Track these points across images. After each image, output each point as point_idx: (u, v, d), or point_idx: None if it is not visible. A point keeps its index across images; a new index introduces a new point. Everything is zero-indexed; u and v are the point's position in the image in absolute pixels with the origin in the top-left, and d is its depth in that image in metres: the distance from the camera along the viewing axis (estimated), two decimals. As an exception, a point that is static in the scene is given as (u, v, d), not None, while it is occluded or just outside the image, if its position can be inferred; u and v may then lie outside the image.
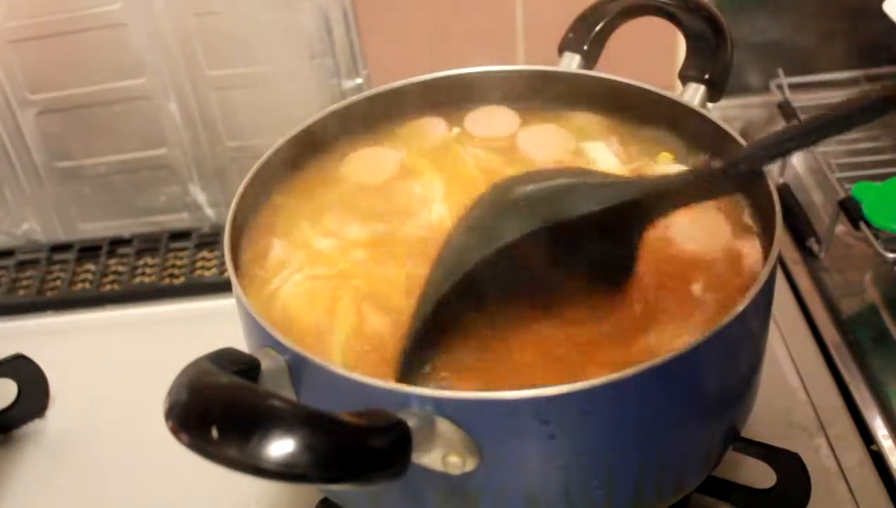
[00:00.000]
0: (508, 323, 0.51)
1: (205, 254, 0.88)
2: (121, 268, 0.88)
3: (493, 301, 0.51)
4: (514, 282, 0.51)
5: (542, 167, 0.55)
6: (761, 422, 0.60)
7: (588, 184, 0.53)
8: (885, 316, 0.71)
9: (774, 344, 0.71)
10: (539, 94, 0.67)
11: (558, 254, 0.51)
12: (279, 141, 0.61)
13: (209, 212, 0.95)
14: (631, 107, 0.64)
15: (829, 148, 0.83)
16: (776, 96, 0.88)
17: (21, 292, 0.86)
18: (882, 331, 0.70)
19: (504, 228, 0.50)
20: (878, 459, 0.62)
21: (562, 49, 0.67)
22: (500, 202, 0.53)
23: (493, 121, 0.67)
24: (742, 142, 0.57)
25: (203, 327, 0.73)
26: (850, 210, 0.72)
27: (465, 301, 0.50)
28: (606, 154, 0.62)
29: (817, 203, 0.83)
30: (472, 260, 0.50)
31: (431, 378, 0.49)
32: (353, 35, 0.87)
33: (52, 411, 0.72)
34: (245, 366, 0.44)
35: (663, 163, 0.60)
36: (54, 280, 0.88)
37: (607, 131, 0.65)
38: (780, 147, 0.51)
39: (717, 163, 0.51)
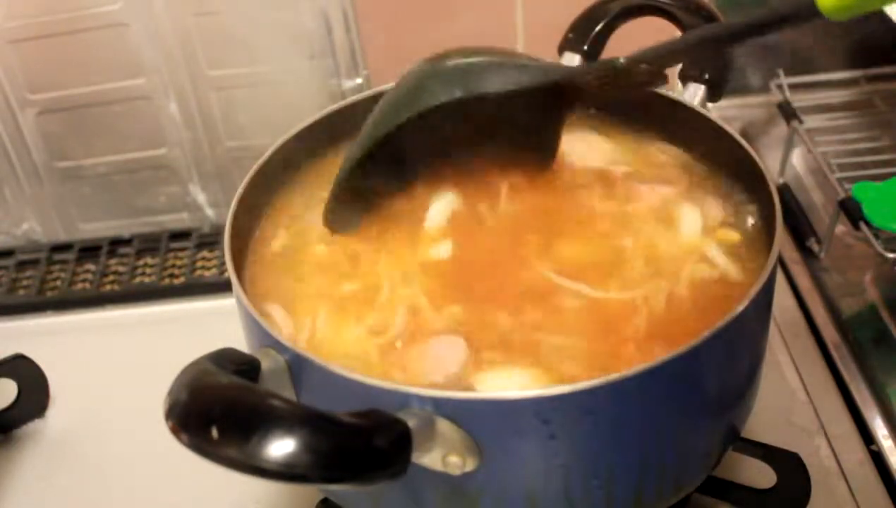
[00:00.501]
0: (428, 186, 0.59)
1: (205, 253, 0.88)
2: (121, 268, 0.88)
3: (416, 163, 0.59)
4: (438, 148, 0.58)
5: (467, 46, 0.59)
6: (761, 422, 0.60)
7: (511, 64, 0.57)
8: (885, 316, 0.71)
9: (774, 344, 0.71)
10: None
11: (481, 125, 0.57)
12: (279, 141, 0.61)
13: (209, 212, 0.95)
14: (631, 108, 0.64)
15: (830, 148, 0.83)
16: (776, 96, 0.88)
17: (21, 292, 0.87)
18: (882, 331, 0.70)
19: (427, 95, 0.56)
20: (878, 459, 0.62)
21: (562, 49, 0.67)
22: (429, 71, 0.58)
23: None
24: (742, 141, 0.57)
25: (203, 327, 0.73)
26: (850, 210, 0.72)
27: (383, 165, 0.57)
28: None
29: (817, 203, 0.83)
30: (393, 122, 0.56)
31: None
32: (353, 35, 0.87)
33: (52, 411, 0.72)
34: (245, 366, 0.44)
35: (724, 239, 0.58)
36: (54, 280, 0.88)
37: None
38: (685, 49, 0.55)
39: (623, 60, 0.54)
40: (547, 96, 0.57)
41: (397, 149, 0.57)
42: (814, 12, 0.46)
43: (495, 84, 0.56)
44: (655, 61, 0.54)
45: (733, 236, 0.56)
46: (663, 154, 0.63)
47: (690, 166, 0.62)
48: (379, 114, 0.58)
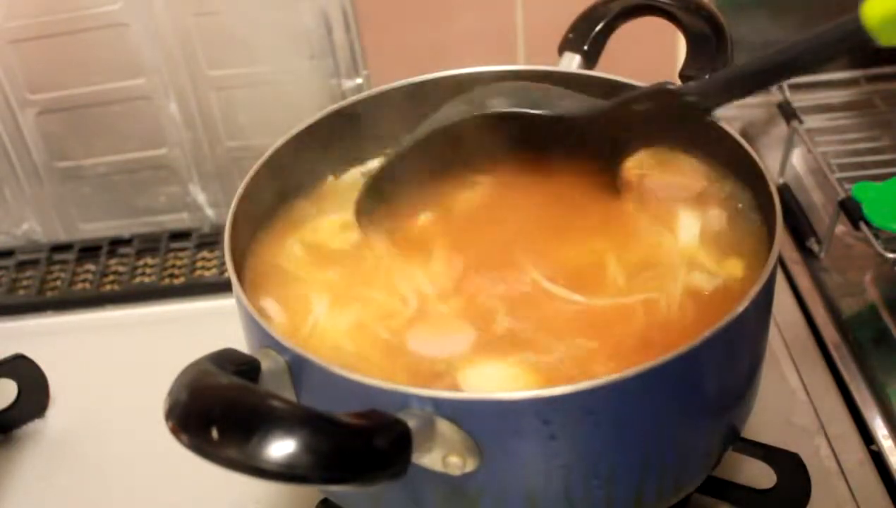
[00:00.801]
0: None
1: (205, 254, 0.88)
2: (121, 268, 0.88)
3: (456, 166, 0.61)
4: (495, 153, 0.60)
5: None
6: (761, 422, 0.60)
7: (579, 98, 0.59)
8: (885, 316, 0.71)
9: (774, 344, 0.71)
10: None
11: (540, 139, 0.58)
12: (279, 141, 0.61)
13: (209, 212, 0.95)
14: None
15: (830, 148, 0.83)
16: (776, 96, 0.88)
17: (21, 292, 0.87)
18: (882, 331, 0.70)
19: (492, 102, 0.59)
20: (878, 459, 0.62)
21: (562, 49, 0.67)
22: (499, 87, 0.61)
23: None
24: (742, 141, 0.57)
25: (203, 327, 0.73)
26: (850, 210, 0.72)
27: (435, 153, 0.59)
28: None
29: (817, 203, 0.83)
30: (455, 117, 0.59)
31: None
32: (353, 35, 0.87)
33: (52, 411, 0.72)
34: (245, 367, 0.44)
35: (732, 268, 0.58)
36: (54, 280, 0.88)
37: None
38: (745, 82, 0.53)
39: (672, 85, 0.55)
40: (598, 135, 0.58)
41: (446, 146, 0.59)
42: (862, 36, 0.45)
43: (554, 106, 0.58)
44: (712, 91, 0.54)
45: (737, 268, 0.55)
46: (665, 154, 0.63)
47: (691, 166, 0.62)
48: (439, 113, 0.60)
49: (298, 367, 0.46)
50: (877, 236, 0.71)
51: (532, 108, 0.58)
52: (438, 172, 0.61)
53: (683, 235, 0.57)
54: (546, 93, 0.60)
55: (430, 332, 0.52)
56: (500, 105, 0.59)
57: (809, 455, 0.57)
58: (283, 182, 0.62)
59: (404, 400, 0.43)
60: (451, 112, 0.60)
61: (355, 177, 0.66)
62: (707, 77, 0.58)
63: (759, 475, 0.55)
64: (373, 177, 0.61)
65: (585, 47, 0.66)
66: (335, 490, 0.53)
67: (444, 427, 0.43)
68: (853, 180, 0.75)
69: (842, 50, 0.48)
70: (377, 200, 0.60)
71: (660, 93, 0.55)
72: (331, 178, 0.65)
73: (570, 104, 0.59)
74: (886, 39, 0.44)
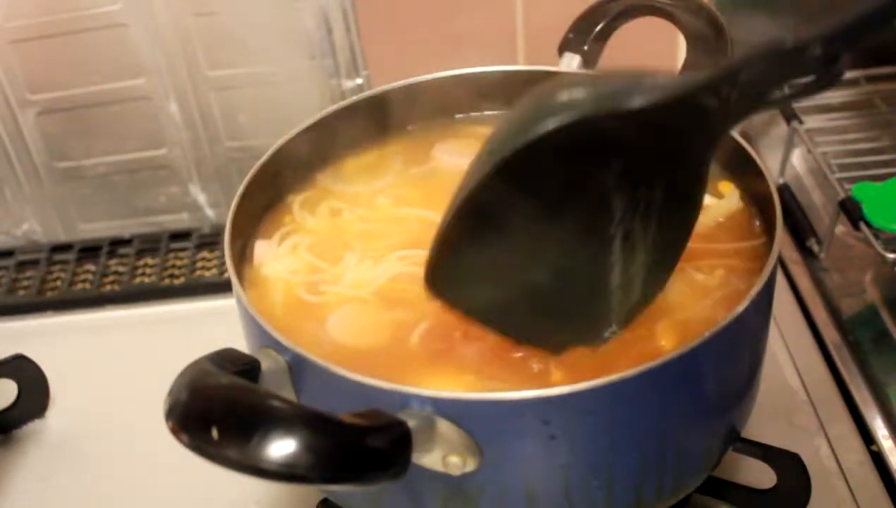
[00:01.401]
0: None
1: (205, 254, 0.88)
2: (121, 269, 0.88)
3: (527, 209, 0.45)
4: (549, 190, 0.44)
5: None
6: (761, 422, 0.60)
7: (647, 82, 0.43)
8: (885, 316, 0.71)
9: (774, 344, 0.71)
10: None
11: (600, 163, 0.44)
12: (279, 141, 0.61)
13: (209, 212, 0.95)
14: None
15: (830, 148, 0.83)
16: (776, 96, 0.88)
17: (21, 292, 0.87)
18: (882, 331, 0.70)
19: (536, 123, 0.42)
20: (878, 459, 0.62)
21: (562, 49, 0.67)
22: (531, 101, 0.44)
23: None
24: (742, 141, 0.57)
25: (203, 327, 0.73)
26: (850, 210, 0.72)
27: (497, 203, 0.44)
28: None
29: (817, 203, 0.83)
30: (496, 160, 0.42)
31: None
32: (353, 35, 0.87)
33: (52, 411, 0.72)
34: (245, 366, 0.44)
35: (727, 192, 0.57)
36: (54, 280, 0.88)
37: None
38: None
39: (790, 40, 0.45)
40: (687, 119, 0.44)
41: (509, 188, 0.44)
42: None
43: (636, 99, 0.42)
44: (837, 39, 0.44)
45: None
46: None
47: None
48: (498, 137, 0.44)
49: (298, 367, 0.46)
50: (877, 236, 0.71)
51: (601, 109, 0.42)
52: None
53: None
54: (616, 83, 0.44)
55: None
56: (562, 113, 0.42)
57: (809, 455, 0.57)
58: (283, 182, 0.62)
59: (404, 399, 0.43)
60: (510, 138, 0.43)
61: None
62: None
63: (759, 475, 0.55)
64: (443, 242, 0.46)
65: (585, 47, 0.66)
66: (335, 490, 0.53)
67: (444, 427, 0.43)
68: (853, 180, 0.75)
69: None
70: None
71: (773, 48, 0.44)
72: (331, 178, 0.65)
73: (650, 91, 0.42)
74: None
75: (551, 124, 0.41)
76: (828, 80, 0.46)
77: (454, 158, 0.64)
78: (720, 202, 0.58)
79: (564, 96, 0.43)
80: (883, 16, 0.44)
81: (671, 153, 0.45)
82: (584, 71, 0.65)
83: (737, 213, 0.58)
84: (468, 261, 0.46)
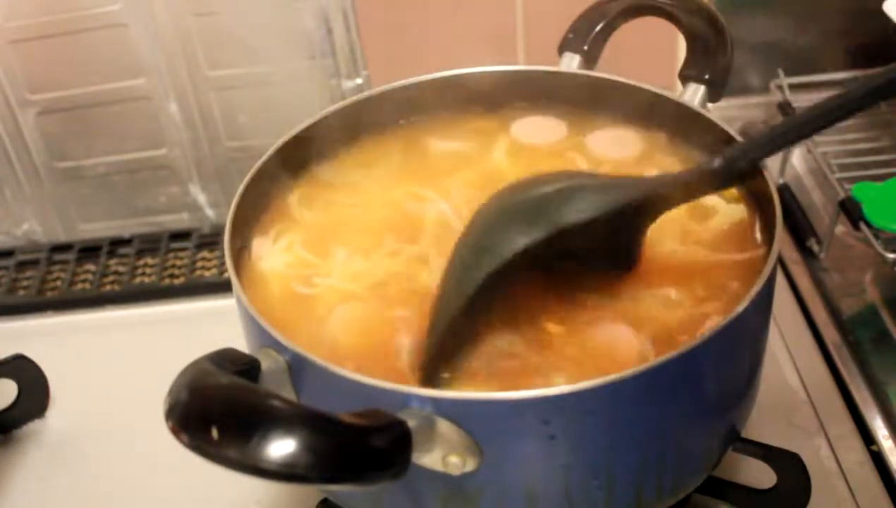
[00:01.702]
0: (518, 327, 0.52)
1: (205, 254, 0.88)
2: (121, 268, 0.88)
3: (502, 308, 0.52)
4: (522, 288, 0.52)
5: (541, 173, 0.55)
6: (761, 422, 0.60)
7: (591, 187, 0.53)
8: (885, 316, 0.71)
9: (774, 344, 0.71)
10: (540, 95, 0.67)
11: (563, 258, 0.52)
12: (279, 141, 0.61)
13: (209, 212, 0.95)
14: (631, 108, 0.64)
15: (830, 148, 0.83)
16: (776, 96, 0.88)
17: (21, 292, 0.87)
18: (882, 331, 0.70)
19: (509, 239, 0.51)
20: (878, 459, 0.62)
21: (562, 49, 0.67)
22: (503, 210, 0.53)
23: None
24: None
25: (203, 327, 0.73)
26: (850, 210, 0.72)
27: (476, 313, 0.51)
28: None
29: (817, 203, 0.83)
30: (480, 276, 0.50)
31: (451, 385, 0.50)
32: (353, 35, 0.87)
33: (52, 411, 0.72)
34: (245, 366, 0.44)
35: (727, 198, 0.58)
36: (54, 280, 0.88)
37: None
38: (777, 141, 0.52)
39: (716, 162, 0.52)
40: (628, 214, 0.52)
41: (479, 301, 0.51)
42: None
43: (578, 214, 0.51)
44: (754, 154, 0.52)
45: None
46: (669, 156, 0.63)
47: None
48: (457, 273, 0.52)
49: (298, 367, 0.46)
50: (877, 236, 0.71)
51: (555, 225, 0.51)
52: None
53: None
54: (560, 195, 0.52)
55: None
56: (513, 241, 0.50)
57: (809, 456, 0.57)
58: (282, 181, 0.62)
59: (404, 399, 0.43)
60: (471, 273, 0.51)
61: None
62: (747, 141, 0.54)
63: (759, 475, 0.55)
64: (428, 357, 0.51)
65: (585, 47, 0.66)
66: (335, 489, 0.53)
67: (444, 427, 0.43)
68: (853, 180, 0.75)
69: (868, 104, 0.50)
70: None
71: (699, 171, 0.53)
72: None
73: (594, 200, 0.52)
74: None
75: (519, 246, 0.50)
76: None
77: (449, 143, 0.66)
78: (727, 208, 0.58)
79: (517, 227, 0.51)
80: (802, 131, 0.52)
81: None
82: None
83: (740, 222, 0.58)
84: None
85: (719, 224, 0.57)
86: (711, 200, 0.58)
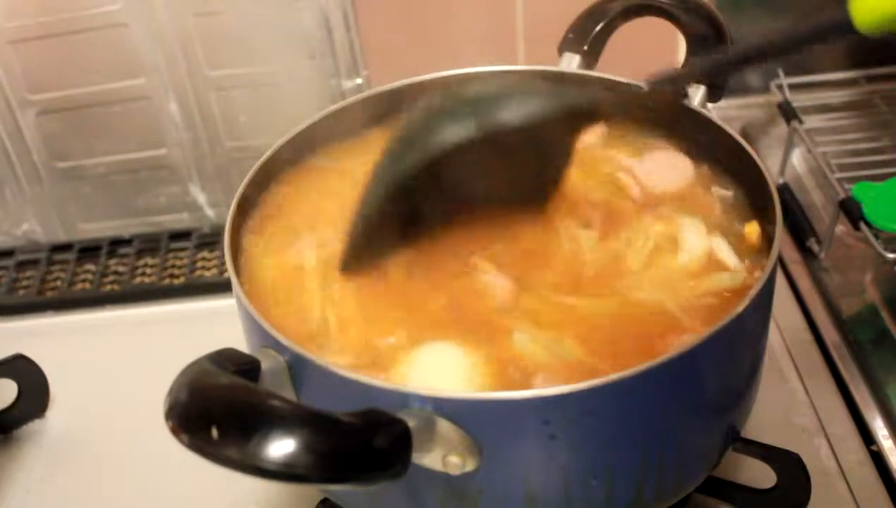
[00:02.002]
0: (442, 226, 0.56)
1: (205, 254, 0.88)
2: (121, 269, 0.88)
3: (428, 204, 0.55)
4: (448, 188, 0.55)
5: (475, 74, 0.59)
6: (761, 422, 0.60)
7: (528, 92, 0.55)
8: (885, 316, 0.71)
9: (774, 344, 0.71)
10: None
11: (493, 160, 0.54)
12: (279, 141, 0.61)
13: (209, 212, 0.95)
14: (631, 108, 0.64)
15: (829, 148, 0.83)
16: (776, 96, 0.88)
17: (21, 292, 0.87)
18: (882, 331, 0.70)
19: (439, 135, 0.53)
20: (878, 459, 0.62)
21: (562, 49, 0.67)
22: (438, 108, 0.55)
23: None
24: (742, 141, 0.57)
25: (203, 327, 0.73)
26: (850, 210, 0.72)
27: (401, 204, 0.54)
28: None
29: (817, 203, 0.83)
30: (404, 169, 0.53)
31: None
32: (353, 35, 0.87)
33: (52, 411, 0.72)
34: (245, 366, 0.44)
35: (749, 234, 0.57)
36: (54, 280, 0.88)
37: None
38: (707, 70, 0.57)
39: (645, 84, 0.56)
40: (562, 120, 0.54)
41: (405, 194, 0.54)
42: (849, 28, 0.47)
43: (510, 116, 0.53)
44: (679, 82, 0.56)
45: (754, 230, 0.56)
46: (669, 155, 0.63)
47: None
48: (388, 160, 0.54)
49: (298, 367, 0.46)
50: (877, 236, 0.71)
51: (485, 126, 0.53)
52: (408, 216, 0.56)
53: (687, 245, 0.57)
54: (494, 97, 0.54)
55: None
56: (444, 136, 0.53)
57: (809, 456, 0.57)
58: (283, 182, 0.62)
59: (404, 399, 0.43)
60: (399, 160, 0.54)
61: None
62: (673, 69, 0.57)
63: (759, 475, 0.55)
64: (352, 233, 0.55)
65: (585, 47, 0.66)
66: (335, 489, 0.53)
67: (444, 426, 0.43)
68: (853, 180, 0.75)
69: (824, 40, 0.50)
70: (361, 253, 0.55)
71: (629, 90, 0.57)
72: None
73: (525, 107, 0.54)
74: (869, 34, 0.47)
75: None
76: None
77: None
78: (729, 275, 0.55)
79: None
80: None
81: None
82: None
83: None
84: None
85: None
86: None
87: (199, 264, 0.87)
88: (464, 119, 0.53)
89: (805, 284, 0.75)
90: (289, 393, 0.47)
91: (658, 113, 0.63)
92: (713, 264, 0.55)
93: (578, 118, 0.56)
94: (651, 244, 0.56)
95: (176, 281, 0.85)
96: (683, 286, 0.53)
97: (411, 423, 0.40)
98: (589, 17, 0.67)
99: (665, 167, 0.62)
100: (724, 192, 0.59)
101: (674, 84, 0.57)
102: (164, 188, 0.94)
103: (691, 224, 0.57)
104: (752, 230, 0.55)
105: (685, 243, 0.56)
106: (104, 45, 0.86)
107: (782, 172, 0.85)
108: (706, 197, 0.60)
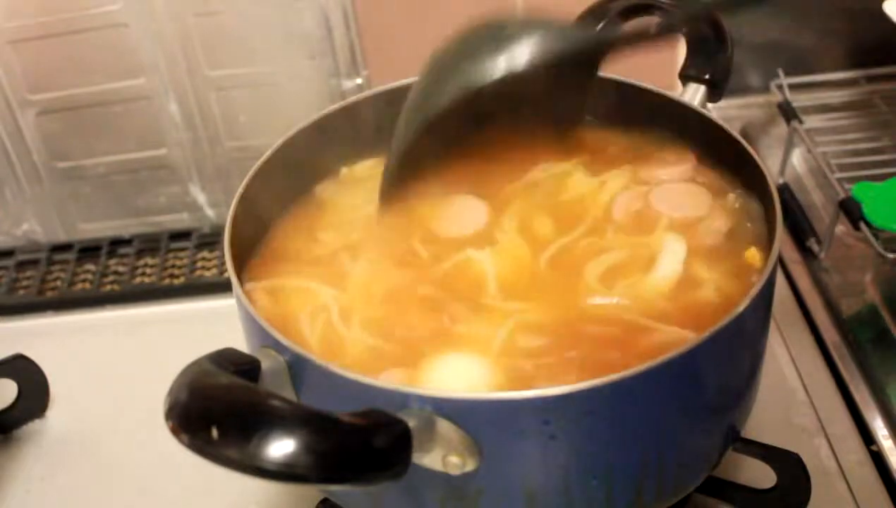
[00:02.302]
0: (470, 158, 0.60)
1: (205, 254, 0.88)
2: (121, 268, 0.88)
3: (460, 136, 0.60)
4: (479, 122, 0.59)
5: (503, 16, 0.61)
6: (761, 422, 0.60)
7: (547, 33, 0.58)
8: (885, 316, 0.71)
9: (774, 344, 0.71)
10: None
11: (521, 96, 0.58)
12: (279, 141, 0.61)
13: (209, 212, 0.95)
14: (631, 108, 0.64)
15: (830, 148, 0.83)
16: (776, 96, 0.88)
17: (21, 292, 0.87)
18: (882, 331, 0.70)
19: (470, 74, 0.57)
20: (878, 459, 0.62)
21: (562, 49, 0.67)
22: (462, 50, 0.59)
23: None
24: (742, 141, 0.57)
25: (203, 327, 0.73)
26: (850, 210, 0.72)
27: (434, 138, 0.58)
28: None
29: (817, 203, 0.83)
30: (440, 104, 0.57)
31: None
32: (353, 35, 0.87)
33: (52, 411, 0.72)
34: (245, 366, 0.44)
35: (750, 259, 0.56)
36: (54, 280, 0.88)
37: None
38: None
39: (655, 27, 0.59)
40: (575, 63, 0.59)
41: (437, 129, 0.58)
42: None
43: (535, 54, 0.57)
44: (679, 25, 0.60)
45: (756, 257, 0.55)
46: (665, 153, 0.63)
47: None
48: (419, 99, 0.58)
49: (298, 367, 0.46)
50: (877, 236, 0.71)
51: (513, 65, 0.57)
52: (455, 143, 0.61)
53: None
54: (516, 37, 0.58)
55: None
56: (473, 76, 0.57)
57: (809, 456, 0.57)
58: (283, 182, 0.62)
59: (404, 399, 0.43)
60: (430, 101, 0.58)
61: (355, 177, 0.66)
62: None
63: (759, 475, 0.55)
64: (393, 164, 0.60)
65: (585, 47, 0.66)
66: (335, 490, 0.53)
67: (444, 426, 0.43)
68: (853, 180, 0.75)
69: None
70: (401, 182, 0.60)
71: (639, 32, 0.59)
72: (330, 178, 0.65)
73: (549, 44, 0.58)
74: None
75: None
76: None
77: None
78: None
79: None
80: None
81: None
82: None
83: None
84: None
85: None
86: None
87: (199, 264, 0.87)
88: (490, 60, 0.57)
89: (805, 284, 0.75)
90: (289, 393, 0.47)
91: (658, 113, 0.63)
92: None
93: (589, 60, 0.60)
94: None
95: (176, 281, 0.85)
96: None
97: (411, 423, 0.40)
98: (589, 17, 0.67)
99: (682, 195, 0.61)
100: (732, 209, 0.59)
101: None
102: (164, 188, 0.94)
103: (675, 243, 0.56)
104: (752, 255, 0.55)
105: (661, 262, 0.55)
106: (104, 45, 0.86)
107: (782, 172, 0.85)
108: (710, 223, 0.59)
